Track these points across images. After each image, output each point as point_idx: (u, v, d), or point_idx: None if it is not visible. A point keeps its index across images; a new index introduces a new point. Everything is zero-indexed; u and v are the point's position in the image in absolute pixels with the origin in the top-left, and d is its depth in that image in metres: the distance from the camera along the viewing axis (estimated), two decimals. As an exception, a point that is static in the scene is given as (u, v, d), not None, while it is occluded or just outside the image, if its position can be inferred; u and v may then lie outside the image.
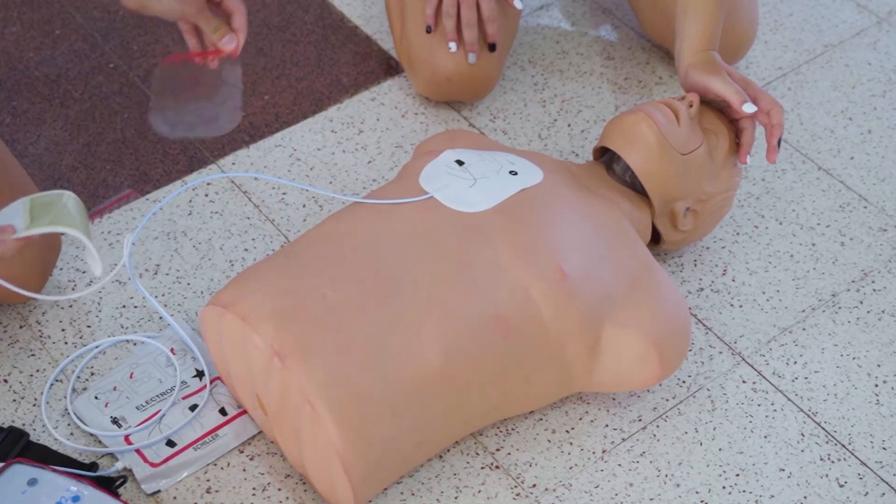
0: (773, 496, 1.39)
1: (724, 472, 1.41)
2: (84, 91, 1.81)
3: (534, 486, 1.39)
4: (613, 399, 1.47)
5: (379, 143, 1.75)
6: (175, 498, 1.37)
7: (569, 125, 1.79)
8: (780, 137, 1.50)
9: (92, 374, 1.48)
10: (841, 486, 1.40)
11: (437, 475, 1.40)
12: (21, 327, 1.52)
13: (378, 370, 1.28)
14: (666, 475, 1.40)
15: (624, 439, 1.43)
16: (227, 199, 1.67)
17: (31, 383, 1.47)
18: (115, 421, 1.41)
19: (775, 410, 1.47)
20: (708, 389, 1.48)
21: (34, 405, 1.45)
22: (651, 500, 1.38)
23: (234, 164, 1.72)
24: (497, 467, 1.41)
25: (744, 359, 1.52)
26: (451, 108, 1.80)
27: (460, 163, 1.44)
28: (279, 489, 1.38)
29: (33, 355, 1.49)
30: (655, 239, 1.56)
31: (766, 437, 1.44)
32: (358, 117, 1.79)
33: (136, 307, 1.54)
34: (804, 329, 1.55)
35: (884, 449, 1.43)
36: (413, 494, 1.38)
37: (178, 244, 1.62)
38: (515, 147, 1.72)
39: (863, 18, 1.95)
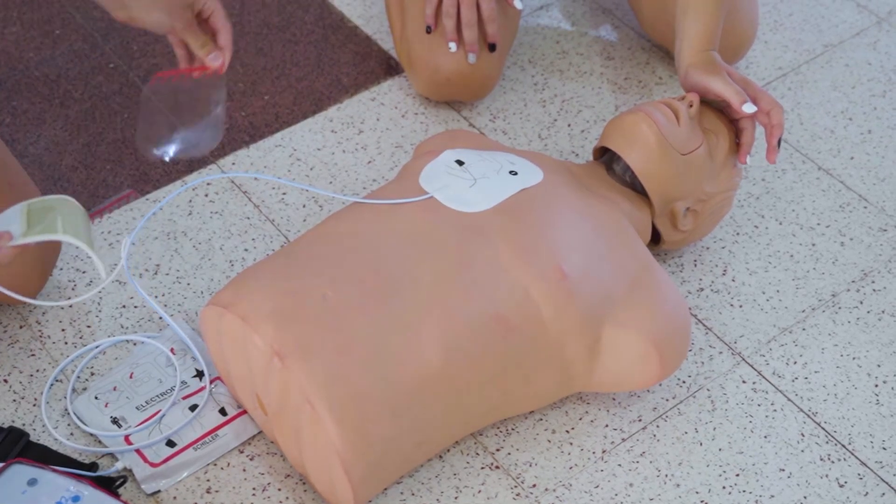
0: (773, 496, 1.39)
1: (724, 472, 1.41)
2: (84, 91, 1.81)
3: (534, 486, 1.39)
4: (613, 399, 1.47)
5: (379, 143, 1.75)
6: (175, 498, 1.37)
7: (569, 125, 1.79)
8: (780, 137, 1.50)
9: (92, 374, 1.48)
10: (841, 486, 1.40)
11: (437, 475, 1.40)
12: (21, 327, 1.52)
13: (378, 370, 1.28)
14: (666, 475, 1.40)
15: (624, 439, 1.43)
16: (227, 199, 1.67)
17: (31, 383, 1.47)
18: (115, 421, 1.41)
19: (775, 410, 1.47)
20: (708, 389, 1.48)
21: (34, 405, 1.45)
22: (651, 500, 1.38)
23: (234, 164, 1.72)
24: (497, 467, 1.41)
25: (744, 359, 1.52)
26: (451, 108, 1.80)
27: (460, 163, 1.44)
28: (279, 489, 1.38)
29: (33, 355, 1.49)
30: (655, 239, 1.56)
31: (766, 437, 1.44)
32: (358, 117, 1.79)
33: (136, 307, 1.55)
34: (804, 329, 1.55)
35: (884, 449, 1.43)
36: (413, 494, 1.38)
37: (178, 244, 1.62)
38: (515, 147, 1.72)
39: (863, 18, 1.95)
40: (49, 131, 1.75)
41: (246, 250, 1.61)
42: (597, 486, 1.39)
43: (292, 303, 1.30)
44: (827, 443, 1.44)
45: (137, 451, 1.38)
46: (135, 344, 1.51)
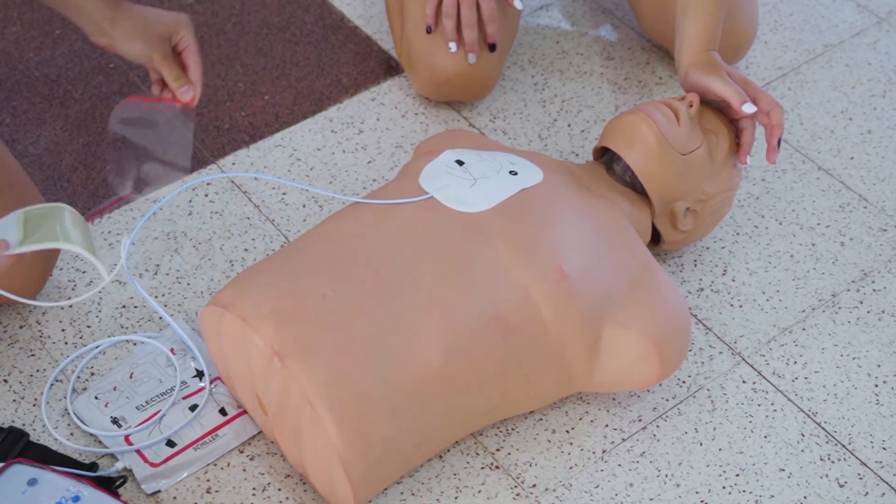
0: (773, 496, 1.39)
1: (724, 472, 1.41)
2: (84, 91, 1.81)
3: (534, 486, 1.39)
4: (613, 399, 1.47)
5: (379, 143, 1.75)
6: (175, 498, 1.37)
7: (569, 125, 1.79)
8: (780, 137, 1.50)
9: (92, 374, 1.48)
10: (841, 486, 1.40)
11: (437, 475, 1.40)
12: (21, 327, 1.52)
13: (378, 370, 1.28)
14: (666, 475, 1.40)
15: (624, 439, 1.43)
16: (227, 199, 1.67)
17: (31, 383, 1.47)
18: (115, 421, 1.41)
19: (775, 410, 1.47)
20: (708, 389, 1.48)
21: (34, 405, 1.45)
22: (651, 500, 1.38)
23: (234, 164, 1.72)
24: (497, 467, 1.41)
25: (744, 359, 1.52)
26: (451, 108, 1.80)
27: (460, 163, 1.44)
28: (279, 489, 1.38)
29: (33, 355, 1.49)
30: (655, 239, 1.56)
31: (766, 437, 1.44)
32: (358, 117, 1.79)
33: (136, 307, 1.54)
34: (804, 329, 1.55)
35: (884, 449, 1.43)
36: (413, 494, 1.38)
37: (178, 244, 1.62)
38: (515, 147, 1.72)
39: (863, 18, 1.95)
40: (49, 131, 1.75)
41: (246, 250, 1.61)
42: (597, 486, 1.39)
43: (292, 303, 1.30)
44: (827, 443, 1.44)
45: (137, 451, 1.38)
46: (135, 344, 1.51)
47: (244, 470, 1.40)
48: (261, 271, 1.35)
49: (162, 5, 1.93)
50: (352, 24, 1.93)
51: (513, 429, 1.44)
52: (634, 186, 1.50)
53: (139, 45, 1.47)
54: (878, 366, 1.51)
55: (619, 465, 1.41)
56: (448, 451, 1.42)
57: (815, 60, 1.89)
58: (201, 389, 1.44)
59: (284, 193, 1.68)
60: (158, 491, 1.37)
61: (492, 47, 1.70)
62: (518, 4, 1.69)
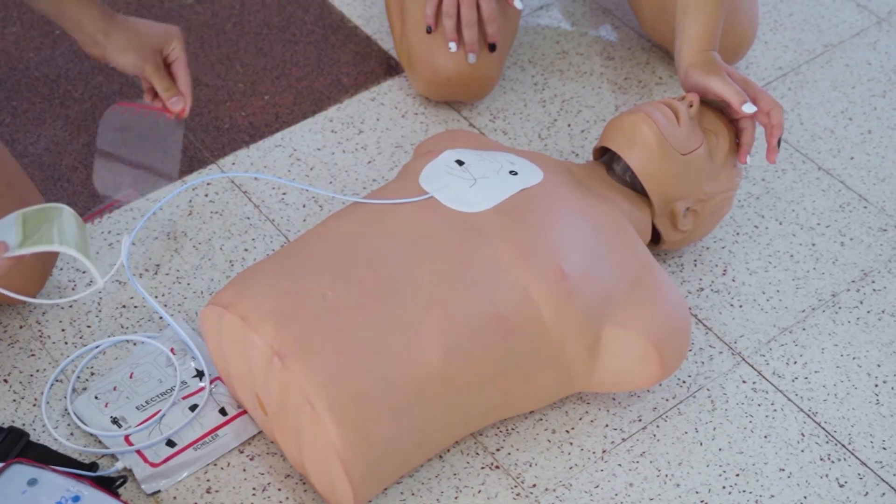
0: (773, 496, 1.39)
1: (724, 472, 1.41)
2: (84, 91, 1.81)
3: (534, 486, 1.39)
4: (613, 399, 1.47)
5: (379, 143, 1.75)
6: (175, 498, 1.37)
7: (569, 125, 1.79)
8: (780, 137, 1.50)
9: (92, 374, 1.48)
10: (841, 486, 1.40)
11: (437, 475, 1.40)
12: (21, 327, 1.52)
13: (378, 370, 1.28)
14: (666, 475, 1.40)
15: (624, 439, 1.43)
16: (227, 199, 1.67)
17: (31, 383, 1.47)
18: (115, 421, 1.41)
19: (775, 410, 1.47)
20: (708, 389, 1.48)
21: (34, 405, 1.45)
22: (651, 500, 1.38)
23: (234, 164, 1.72)
24: (497, 467, 1.41)
25: (744, 359, 1.52)
26: (451, 108, 1.80)
27: (460, 163, 1.44)
28: (279, 489, 1.38)
29: (33, 355, 1.49)
30: (655, 239, 1.56)
31: (766, 437, 1.44)
32: (358, 117, 1.79)
33: (136, 307, 1.55)
34: (804, 329, 1.55)
35: (884, 449, 1.43)
36: (413, 494, 1.38)
37: (178, 244, 1.62)
38: (515, 147, 1.72)
39: (863, 18, 1.95)
40: (49, 131, 1.75)
41: (246, 250, 1.61)
42: (597, 486, 1.39)
43: (292, 303, 1.30)
44: (827, 443, 1.44)
45: (137, 451, 1.38)
46: (135, 344, 1.51)
47: (244, 470, 1.40)
48: (261, 271, 1.35)
49: (162, 5, 1.93)
50: (352, 24, 1.93)
51: (513, 429, 1.44)
52: (634, 186, 1.50)
53: (132, 56, 1.50)
54: (878, 366, 1.51)
55: (619, 465, 1.41)
56: (448, 451, 1.42)
57: (815, 60, 1.89)
58: (201, 389, 1.44)
59: (284, 193, 1.68)
60: (158, 491, 1.37)
61: (492, 47, 1.70)
62: (518, 4, 1.69)
